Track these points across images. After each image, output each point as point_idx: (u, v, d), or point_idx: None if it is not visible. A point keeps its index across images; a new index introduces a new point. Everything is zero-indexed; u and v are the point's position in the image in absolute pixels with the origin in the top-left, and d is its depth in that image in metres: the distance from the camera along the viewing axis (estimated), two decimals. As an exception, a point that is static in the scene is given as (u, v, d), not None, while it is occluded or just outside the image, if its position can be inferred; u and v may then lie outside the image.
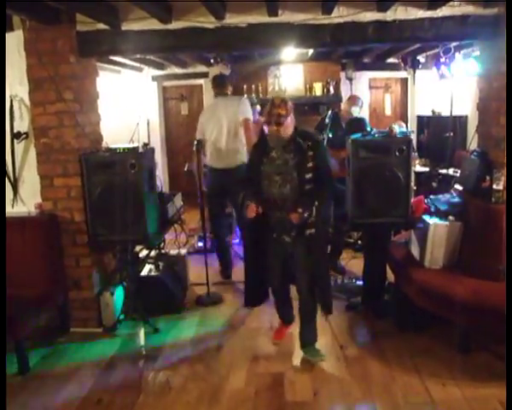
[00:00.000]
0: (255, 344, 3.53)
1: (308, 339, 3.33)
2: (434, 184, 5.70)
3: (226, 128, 4.55)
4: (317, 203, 3.04)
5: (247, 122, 4.53)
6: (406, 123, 8.13)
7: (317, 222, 3.10)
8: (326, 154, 3.23)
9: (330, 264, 4.78)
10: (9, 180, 3.74)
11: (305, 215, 2.98)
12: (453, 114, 6.16)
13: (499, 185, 3.27)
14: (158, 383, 3.13)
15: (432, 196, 3.87)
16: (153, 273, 4.14)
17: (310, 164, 3.01)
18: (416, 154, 6.25)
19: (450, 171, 5.63)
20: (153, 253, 4.24)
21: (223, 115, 4.56)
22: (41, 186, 3.70)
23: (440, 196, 3.84)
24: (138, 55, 5.86)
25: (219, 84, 4.72)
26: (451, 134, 6.10)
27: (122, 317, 3.89)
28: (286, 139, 3.02)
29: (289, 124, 3.00)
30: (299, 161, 3.01)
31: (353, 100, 4.90)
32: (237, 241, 5.85)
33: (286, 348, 3.49)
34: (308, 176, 3.01)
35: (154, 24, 3.54)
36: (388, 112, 8.42)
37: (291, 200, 3.02)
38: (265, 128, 5.56)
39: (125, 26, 3.57)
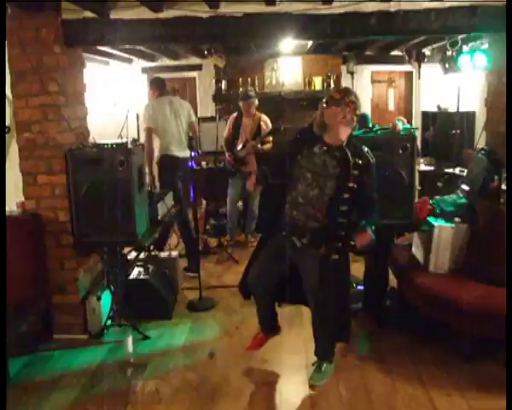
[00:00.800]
0: (250, 352, 3.52)
1: (322, 354, 3.17)
2: (440, 184, 5.71)
3: (184, 125, 5.13)
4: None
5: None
6: (410, 119, 8.16)
7: (344, 250, 2.97)
8: (375, 180, 2.99)
9: None
10: (-10, 177, 3.73)
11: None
12: (460, 110, 6.19)
13: (508, 186, 3.29)
14: (147, 393, 3.11)
15: (437, 197, 3.88)
16: (142, 277, 4.13)
17: (351, 184, 2.82)
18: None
19: (457, 170, 5.65)
20: (142, 255, 4.23)
21: (180, 112, 5.11)
22: (23, 184, 3.68)
23: (446, 197, 3.85)
24: (127, 46, 5.85)
25: (161, 85, 5.22)
26: (458, 131, 6.13)
27: (109, 323, 3.87)
28: (335, 141, 2.85)
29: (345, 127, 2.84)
30: (341, 175, 2.82)
31: None
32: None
33: (281, 357, 3.48)
34: (346, 196, 2.84)
35: (144, 13, 3.53)
36: (391, 107, 8.44)
37: (317, 207, 2.86)
38: (264, 127, 5.61)
39: (113, 15, 3.56)
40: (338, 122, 2.81)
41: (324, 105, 2.85)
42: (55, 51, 3.50)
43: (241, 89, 7.44)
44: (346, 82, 7.82)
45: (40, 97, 3.53)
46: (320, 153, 2.88)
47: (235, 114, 5.79)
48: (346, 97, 2.80)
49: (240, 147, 5.57)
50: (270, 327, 3.41)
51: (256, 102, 5.64)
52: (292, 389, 3.14)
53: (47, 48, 3.48)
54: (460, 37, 5.21)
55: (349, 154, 2.82)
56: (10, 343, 3.29)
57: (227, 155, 5.68)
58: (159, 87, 5.19)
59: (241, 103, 5.61)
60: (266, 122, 5.68)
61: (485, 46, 4.85)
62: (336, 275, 2.96)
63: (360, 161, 2.85)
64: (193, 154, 4.47)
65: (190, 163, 4.57)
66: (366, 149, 2.95)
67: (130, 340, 3.80)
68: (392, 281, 3.96)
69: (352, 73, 7.80)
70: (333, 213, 2.86)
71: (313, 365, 3.19)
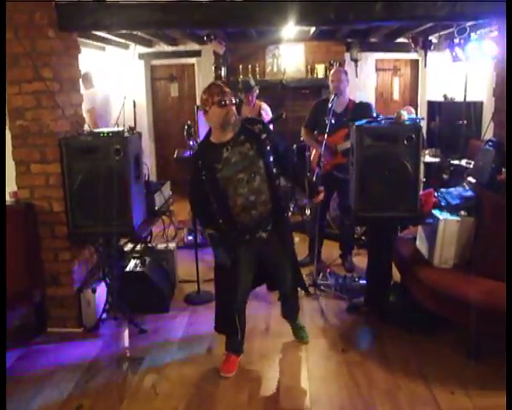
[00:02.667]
0: (249, 346, 3.53)
1: (296, 310, 3.64)
2: (445, 177, 5.71)
3: None
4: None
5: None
6: (416, 109, 8.13)
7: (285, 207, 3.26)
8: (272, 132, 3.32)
9: (342, 260, 4.90)
10: (-18, 166, 3.72)
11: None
12: (467, 99, 6.16)
13: (516, 178, 3.27)
14: (143, 387, 3.13)
15: (442, 190, 3.88)
16: (138, 269, 4.13)
17: (268, 147, 3.05)
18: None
19: (463, 162, 5.64)
20: (138, 247, 4.23)
21: None
22: (16, 173, 3.67)
23: (452, 190, 3.84)
24: (124, 31, 5.82)
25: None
26: (465, 122, 6.11)
27: (104, 316, 3.89)
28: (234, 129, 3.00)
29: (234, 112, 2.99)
30: (259, 147, 3.01)
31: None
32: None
33: (281, 351, 3.50)
34: (271, 158, 3.06)
35: (141, -4, 3.51)
36: (396, 96, 8.42)
37: (263, 191, 3.01)
38: (264, 115, 5.57)
39: (109, -2, 3.53)
40: (235, 116, 2.98)
41: (219, 106, 2.91)
42: (49, 36, 3.47)
43: (241, 76, 7.40)
44: (349, 70, 7.74)
45: (34, 84, 3.51)
46: (231, 151, 2.98)
47: None
48: (227, 93, 2.94)
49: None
50: (242, 346, 3.40)
51: (257, 91, 5.61)
52: (291, 383, 3.15)
53: (41, 32, 3.45)
54: (468, 24, 5.18)
55: (250, 127, 3.04)
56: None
57: None
58: None
59: (242, 94, 5.57)
60: (267, 111, 5.65)
61: (494, 34, 4.83)
62: (288, 229, 3.41)
63: (260, 126, 3.08)
64: (191, 143, 4.45)
65: (188, 153, 4.55)
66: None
67: (126, 333, 3.81)
68: (396, 275, 3.97)
69: (355, 61, 7.78)
70: (273, 187, 3.06)
71: (292, 325, 3.63)
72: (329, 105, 4.37)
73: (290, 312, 3.64)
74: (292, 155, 3.23)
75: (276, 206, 3.09)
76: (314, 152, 4.86)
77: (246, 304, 3.37)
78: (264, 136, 3.03)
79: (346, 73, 4.71)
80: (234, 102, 2.95)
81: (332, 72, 4.80)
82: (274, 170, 3.07)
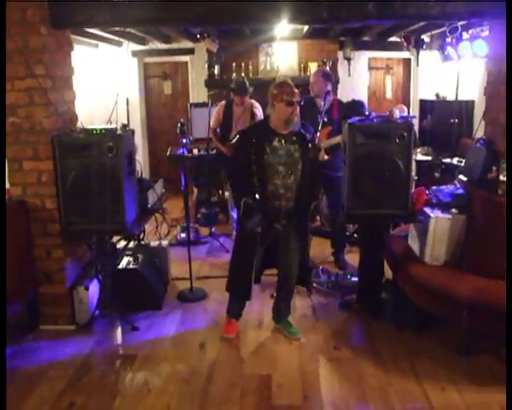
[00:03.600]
0: (241, 343, 3.55)
1: (287, 314, 3.73)
2: (437, 175, 5.75)
3: None
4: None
5: None
6: (408, 107, 8.16)
7: (309, 212, 3.51)
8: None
9: (334, 258, 4.93)
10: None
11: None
12: (459, 98, 6.20)
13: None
14: (136, 384, 3.13)
15: (434, 187, 3.90)
16: (131, 266, 4.12)
17: (310, 155, 3.35)
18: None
19: (455, 160, 5.68)
20: (131, 244, 4.22)
21: None
22: (9, 170, 3.66)
23: (443, 188, 3.87)
24: (117, 28, 5.80)
25: None
26: (456, 120, 6.14)
27: (97, 313, 3.88)
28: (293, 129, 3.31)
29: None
30: (304, 153, 3.32)
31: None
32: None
33: (273, 348, 3.51)
34: (309, 168, 3.35)
35: (135, -7, 3.49)
36: (389, 95, 8.44)
37: (292, 190, 3.33)
38: (258, 113, 5.54)
39: (102, -5, 3.52)
40: (297, 117, 3.32)
41: (287, 105, 3.24)
42: (42, 33, 3.45)
43: (234, 74, 7.39)
44: (342, 68, 7.81)
45: (26, 80, 3.50)
46: (281, 145, 3.30)
47: (223, 103, 5.68)
48: (296, 94, 3.28)
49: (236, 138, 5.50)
50: (240, 312, 3.72)
51: (251, 90, 5.60)
52: (284, 379, 3.16)
53: (33, 29, 3.43)
54: (460, 23, 5.21)
55: (303, 132, 3.35)
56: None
57: (223, 147, 5.59)
58: None
59: (235, 95, 5.55)
60: (259, 109, 5.64)
61: (486, 33, 4.86)
62: (306, 232, 3.59)
63: (309, 134, 3.40)
64: (184, 140, 4.45)
65: (181, 150, 4.55)
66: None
67: (118, 331, 3.81)
68: (388, 273, 3.99)
69: (348, 59, 7.79)
70: (301, 190, 3.36)
71: (284, 327, 3.68)
72: (322, 104, 4.41)
73: (283, 314, 3.72)
74: (319, 179, 3.69)
75: (298, 206, 3.37)
76: None
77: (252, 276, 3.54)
78: (310, 145, 3.37)
79: (325, 74, 4.76)
80: (300, 103, 3.32)
81: (312, 74, 4.93)
82: (307, 177, 3.35)
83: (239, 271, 3.55)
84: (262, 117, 5.50)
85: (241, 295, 3.62)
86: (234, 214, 5.34)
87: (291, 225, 3.42)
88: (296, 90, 3.27)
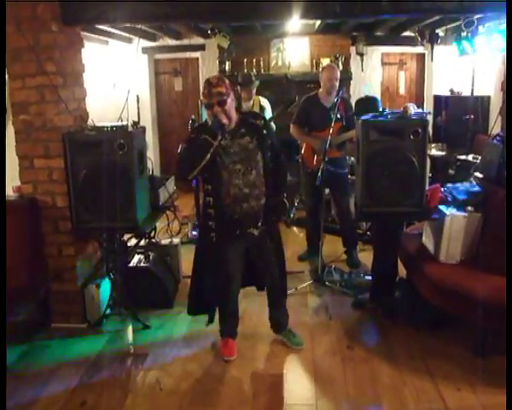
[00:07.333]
0: (253, 342, 3.54)
1: (285, 321, 3.55)
2: (452, 172, 5.69)
3: None
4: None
5: None
6: (422, 103, 8.10)
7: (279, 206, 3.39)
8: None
9: (346, 256, 4.88)
10: (-15, 160, 3.73)
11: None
12: (474, 94, 6.14)
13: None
14: (147, 383, 3.14)
15: (449, 185, 3.86)
16: (142, 264, 4.14)
17: (269, 142, 3.12)
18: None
19: (470, 157, 5.62)
20: (142, 242, 4.23)
21: None
22: (20, 168, 3.68)
23: (458, 185, 3.82)
24: (128, 25, 5.81)
25: None
26: (472, 116, 6.09)
27: (108, 311, 3.89)
28: (233, 123, 3.05)
29: (232, 105, 3.01)
30: (260, 142, 3.07)
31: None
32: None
33: (286, 347, 3.50)
34: (269, 154, 3.12)
35: (145, -11, 3.49)
36: (402, 91, 8.39)
37: (258, 185, 3.06)
38: (267, 107, 5.54)
39: (113, -9, 3.52)
40: (232, 108, 3.03)
41: (207, 108, 2.99)
42: (53, 30, 3.47)
43: (245, 71, 7.39)
44: (355, 64, 7.76)
45: (37, 78, 3.51)
46: (230, 141, 3.02)
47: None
48: (227, 85, 2.97)
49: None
50: (235, 330, 3.50)
51: (257, 83, 5.59)
52: (296, 380, 3.16)
53: (44, 26, 3.45)
54: (476, 17, 5.15)
55: (253, 121, 3.11)
56: (7, 332, 3.33)
57: None
58: None
59: (241, 89, 5.53)
60: (267, 104, 5.65)
61: (503, 26, 4.80)
62: (277, 228, 3.42)
63: (262, 121, 3.15)
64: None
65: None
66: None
67: (130, 329, 3.82)
68: (402, 271, 3.96)
69: (361, 55, 7.75)
70: (268, 183, 3.12)
71: (284, 336, 3.51)
72: (335, 100, 4.40)
73: (281, 322, 3.55)
74: (283, 160, 3.31)
75: (269, 201, 3.15)
76: (304, 148, 4.86)
77: (238, 291, 3.45)
78: (265, 131, 3.10)
79: (337, 68, 4.79)
80: (224, 97, 2.94)
81: (325, 69, 4.81)
82: (271, 165, 3.13)
83: (223, 292, 3.36)
84: (270, 112, 5.53)
85: (232, 314, 3.46)
86: None
87: (266, 227, 3.20)
88: (217, 89, 2.90)
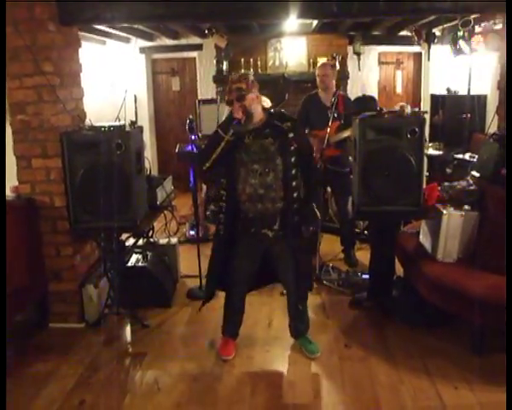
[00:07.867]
0: (251, 341, 3.54)
1: (304, 329, 3.46)
2: (449, 171, 5.70)
3: None
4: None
5: None
6: (419, 102, 8.11)
7: (308, 215, 3.26)
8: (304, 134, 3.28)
9: (344, 255, 4.89)
10: (-18, 161, 3.72)
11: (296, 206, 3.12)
12: (471, 93, 6.14)
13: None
14: (145, 383, 3.14)
15: (446, 184, 3.87)
16: (140, 264, 4.14)
17: (292, 147, 3.04)
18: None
19: (467, 156, 5.62)
20: (140, 241, 4.23)
21: None
22: (17, 168, 3.67)
23: (455, 184, 3.83)
24: (125, 25, 5.81)
25: None
26: (469, 115, 6.09)
27: (106, 311, 3.89)
28: (258, 122, 3.03)
29: (254, 100, 3.01)
30: (282, 145, 3.02)
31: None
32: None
33: (283, 346, 3.50)
34: (292, 160, 3.04)
35: (143, -11, 3.49)
36: (399, 90, 8.39)
37: (275, 189, 3.03)
38: (266, 106, 5.53)
39: (110, -9, 3.52)
40: (254, 104, 3.02)
41: (238, 100, 2.97)
42: (50, 30, 3.47)
43: (242, 70, 7.38)
44: (352, 63, 7.76)
45: (34, 78, 3.50)
46: (252, 140, 3.02)
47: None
48: (248, 81, 3.00)
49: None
50: (238, 331, 3.48)
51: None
52: (294, 378, 3.16)
53: (41, 26, 3.44)
54: (472, 16, 5.15)
55: (279, 123, 3.03)
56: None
57: None
58: None
59: None
60: (267, 102, 5.64)
61: (499, 26, 4.81)
62: (307, 251, 3.39)
63: (289, 123, 3.05)
64: (192, 137, 4.45)
65: (190, 147, 4.55)
66: (282, 110, 3.23)
67: (128, 329, 3.82)
68: (399, 270, 3.97)
69: (358, 54, 7.75)
70: (288, 189, 3.04)
71: (301, 341, 3.42)
72: (332, 99, 4.40)
73: (299, 329, 3.45)
74: (313, 166, 3.32)
75: (288, 206, 3.07)
76: None
77: (245, 294, 3.41)
78: (291, 134, 3.03)
79: (332, 66, 4.76)
80: (243, 93, 2.97)
81: (318, 66, 4.86)
82: (293, 171, 3.05)
83: (229, 288, 3.39)
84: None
85: (235, 312, 3.45)
86: None
87: (286, 230, 3.12)
88: (236, 85, 2.99)
